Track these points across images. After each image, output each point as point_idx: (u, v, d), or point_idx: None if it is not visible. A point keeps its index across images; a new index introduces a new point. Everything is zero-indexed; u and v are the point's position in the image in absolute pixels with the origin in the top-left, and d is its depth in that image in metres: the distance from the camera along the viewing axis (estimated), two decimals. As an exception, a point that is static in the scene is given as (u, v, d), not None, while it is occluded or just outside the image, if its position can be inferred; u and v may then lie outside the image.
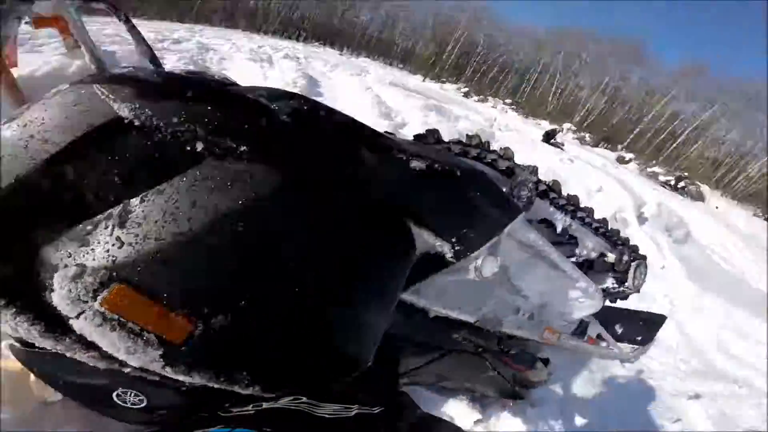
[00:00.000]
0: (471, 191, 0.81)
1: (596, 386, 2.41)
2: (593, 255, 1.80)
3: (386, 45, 32.87)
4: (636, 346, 2.33)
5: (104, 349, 0.50)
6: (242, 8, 28.26)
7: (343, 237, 0.62)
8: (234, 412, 0.63)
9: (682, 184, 18.11)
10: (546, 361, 1.75)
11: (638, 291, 2.06)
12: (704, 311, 4.74)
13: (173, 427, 0.64)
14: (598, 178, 6.92)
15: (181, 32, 9.68)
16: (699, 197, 18.74)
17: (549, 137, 11.96)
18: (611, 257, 1.85)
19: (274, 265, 0.55)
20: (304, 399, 0.65)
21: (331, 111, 0.70)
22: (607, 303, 2.22)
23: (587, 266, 2.04)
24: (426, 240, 0.74)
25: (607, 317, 2.26)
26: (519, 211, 0.92)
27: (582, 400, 2.29)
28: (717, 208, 18.83)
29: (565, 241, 1.71)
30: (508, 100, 26.71)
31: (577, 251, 1.72)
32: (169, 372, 0.52)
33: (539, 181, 1.37)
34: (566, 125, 21.79)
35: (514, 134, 8.03)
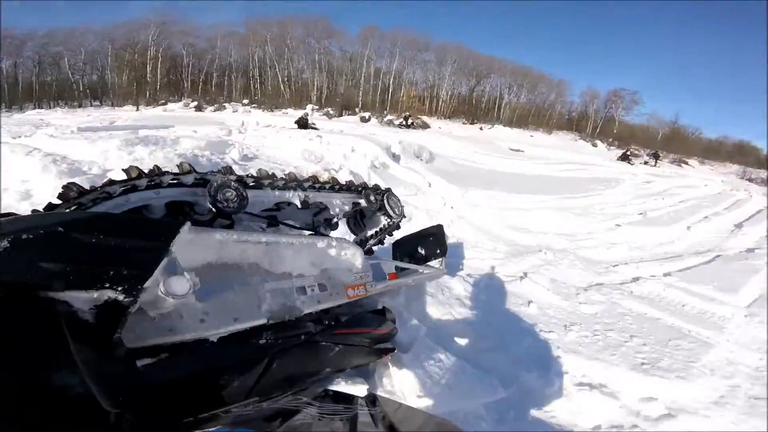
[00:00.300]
0: (96, 238, 0.79)
1: (447, 304, 2.62)
2: (347, 208, 2.02)
3: (58, 88, 26.66)
4: (440, 259, 2.65)
5: None
6: None
7: None
8: (234, 412, 0.66)
9: (410, 121, 23.27)
10: (383, 311, 1.81)
11: (403, 216, 2.43)
12: (476, 203, 6.18)
13: (173, 427, 0.67)
14: (349, 142, 7.80)
15: None
16: (425, 126, 24.94)
17: (301, 123, 12.88)
18: (363, 202, 2.11)
19: None
20: (305, 399, 0.71)
21: None
22: (401, 236, 2.49)
23: (360, 217, 2.30)
24: (86, 298, 0.73)
25: (408, 249, 2.59)
26: (176, 227, 0.93)
27: (443, 321, 2.46)
28: (440, 128, 26.12)
29: (317, 209, 1.89)
30: (245, 101, 26.76)
31: (332, 212, 1.90)
32: None
33: (240, 177, 1.42)
34: (309, 107, 23.75)
35: (270, 130, 7.98)
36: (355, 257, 1.61)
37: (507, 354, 2.16)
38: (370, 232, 2.37)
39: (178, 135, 5.79)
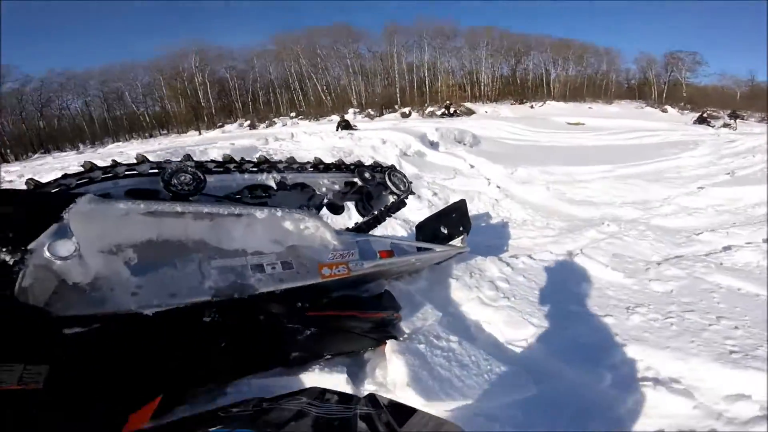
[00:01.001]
0: None
1: (476, 287, 2.29)
2: (337, 188, 1.95)
3: (129, 121, 30.21)
4: (462, 236, 2.46)
5: None
6: None
7: None
8: (234, 412, 0.64)
9: (452, 110, 22.61)
10: (380, 296, 1.72)
11: (410, 192, 2.28)
12: (527, 179, 5.70)
13: (174, 427, 0.67)
14: (380, 135, 7.64)
15: None
16: (470, 112, 24.17)
17: (342, 125, 13.19)
18: (357, 180, 2.01)
19: None
20: (304, 399, 0.67)
21: None
22: (425, 215, 2.31)
23: (366, 198, 2.18)
24: None
25: (431, 230, 2.46)
26: (71, 198, 0.98)
27: (467, 307, 2.14)
28: (486, 112, 25.23)
29: (311, 192, 1.81)
30: (292, 114, 28.18)
31: (318, 192, 1.82)
32: None
33: (199, 163, 1.43)
34: (351, 110, 24.25)
35: (314, 137, 8.54)
36: (324, 233, 1.47)
37: (545, 344, 1.79)
38: (377, 213, 2.20)
39: (214, 146, 6.09)
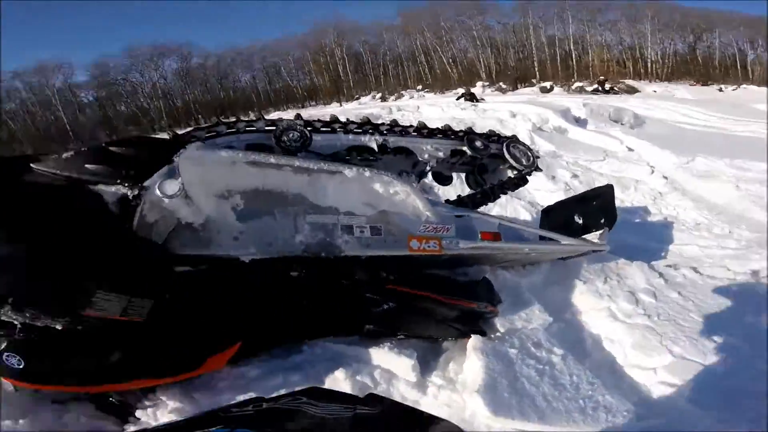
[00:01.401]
0: (122, 150, 1.06)
1: (609, 296, 1.90)
2: (441, 155, 1.78)
3: (286, 93, 35.03)
4: (601, 231, 2.05)
5: None
6: (119, 117, 30.54)
7: None
8: (234, 412, 0.65)
9: (607, 86, 19.27)
10: (476, 283, 1.60)
11: (535, 168, 2.02)
12: (707, 173, 4.51)
13: (174, 427, 0.72)
14: (510, 108, 6.94)
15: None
16: (632, 90, 20.23)
17: (468, 97, 12.55)
18: (466, 149, 1.85)
19: None
20: (304, 399, 0.67)
21: None
22: (560, 197, 2.05)
23: (479, 171, 2.00)
24: (110, 191, 1.02)
25: (562, 216, 2.14)
26: (182, 144, 1.11)
27: (591, 318, 1.80)
28: (655, 91, 20.86)
29: (415, 159, 1.74)
30: (419, 87, 28.27)
31: (419, 158, 1.73)
32: None
33: (307, 122, 1.48)
34: (479, 83, 23.03)
35: (435, 107, 8.34)
36: (416, 201, 1.36)
37: (680, 379, 1.35)
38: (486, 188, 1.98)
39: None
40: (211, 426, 0.60)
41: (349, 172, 1.26)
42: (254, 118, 1.45)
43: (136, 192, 0.98)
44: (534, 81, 24.49)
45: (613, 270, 2.06)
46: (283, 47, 34.23)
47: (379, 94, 27.74)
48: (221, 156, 1.14)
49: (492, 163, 2.00)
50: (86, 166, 1.00)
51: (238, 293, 1.15)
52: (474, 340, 1.31)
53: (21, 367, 0.88)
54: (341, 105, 26.15)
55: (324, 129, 1.51)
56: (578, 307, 1.86)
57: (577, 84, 22.13)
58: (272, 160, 1.18)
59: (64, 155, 1.05)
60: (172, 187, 0.99)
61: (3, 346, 0.88)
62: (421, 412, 0.73)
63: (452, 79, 28.49)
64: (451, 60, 30.51)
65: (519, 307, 1.65)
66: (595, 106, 7.64)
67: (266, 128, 1.41)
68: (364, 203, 1.32)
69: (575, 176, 4.29)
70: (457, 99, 12.28)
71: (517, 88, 22.57)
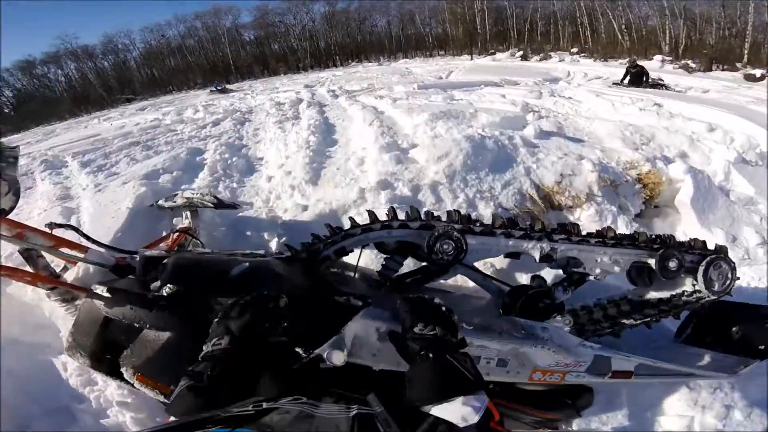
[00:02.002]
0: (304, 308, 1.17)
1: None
2: (617, 270, 1.65)
3: (416, 40, 34.52)
4: (753, 363, 1.67)
5: None
6: (272, 56, 34.40)
7: None
8: (234, 412, 0.65)
9: None
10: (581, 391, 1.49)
11: (726, 293, 1.69)
12: None
13: (174, 427, 0.67)
14: (707, 116, 5.21)
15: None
16: None
17: (633, 75, 9.78)
18: (653, 265, 1.64)
19: None
20: (304, 399, 0.68)
21: None
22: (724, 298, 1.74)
23: (647, 276, 1.78)
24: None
25: (713, 326, 1.79)
26: (352, 312, 1.18)
27: None
28: None
29: (554, 265, 1.64)
30: (573, 50, 24.42)
31: (584, 269, 1.62)
32: None
33: (468, 220, 1.50)
34: (657, 56, 18.65)
35: (603, 99, 6.36)
36: (560, 351, 1.31)
37: None
38: (657, 295, 1.78)
39: (477, 108, 5.32)
40: (211, 426, 0.60)
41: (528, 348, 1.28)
42: (411, 217, 1.48)
43: (307, 355, 1.05)
44: (739, 65, 18.63)
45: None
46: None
47: (520, 52, 24.81)
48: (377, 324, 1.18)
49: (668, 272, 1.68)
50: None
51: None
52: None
53: None
54: (472, 59, 24.42)
55: (481, 231, 1.48)
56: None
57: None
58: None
59: None
60: (337, 358, 1.03)
61: None
62: (420, 412, 0.73)
63: (621, 46, 24.15)
64: (623, 26, 25.81)
65: (604, 410, 1.66)
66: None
67: (419, 227, 1.46)
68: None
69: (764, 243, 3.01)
70: (622, 80, 9.80)
71: (711, 70, 17.46)
